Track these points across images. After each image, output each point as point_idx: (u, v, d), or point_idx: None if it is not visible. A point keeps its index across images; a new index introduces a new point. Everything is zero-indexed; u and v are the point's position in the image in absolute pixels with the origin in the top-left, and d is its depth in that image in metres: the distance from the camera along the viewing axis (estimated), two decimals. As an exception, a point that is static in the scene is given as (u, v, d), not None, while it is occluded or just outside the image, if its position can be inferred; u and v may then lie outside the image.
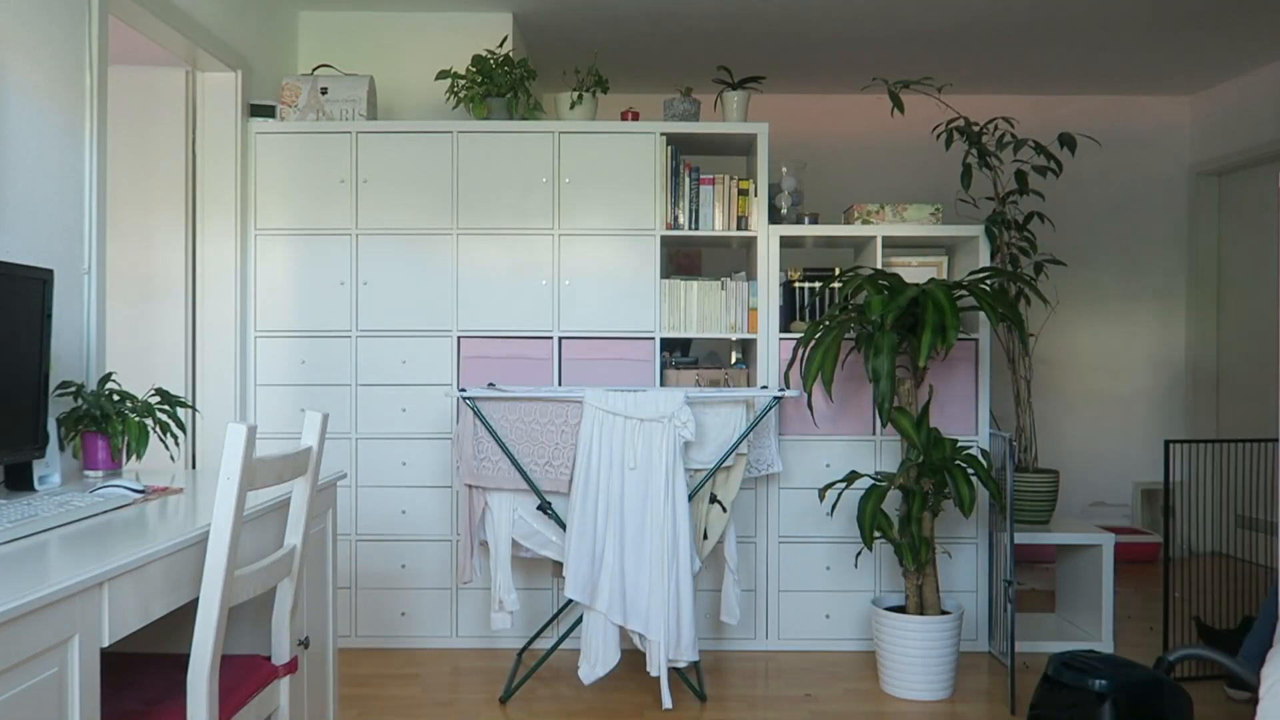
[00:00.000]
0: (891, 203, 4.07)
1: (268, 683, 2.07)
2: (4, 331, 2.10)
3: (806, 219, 3.97)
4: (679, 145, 3.92)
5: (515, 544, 3.37)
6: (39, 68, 2.53)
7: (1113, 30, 4.68)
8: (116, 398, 2.50)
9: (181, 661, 1.91)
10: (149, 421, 2.52)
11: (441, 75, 3.93)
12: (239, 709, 1.93)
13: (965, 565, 3.85)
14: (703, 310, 3.83)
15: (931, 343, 3.19)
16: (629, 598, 3.18)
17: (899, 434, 3.46)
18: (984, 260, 3.82)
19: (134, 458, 2.49)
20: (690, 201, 3.85)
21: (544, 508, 3.32)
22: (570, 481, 3.28)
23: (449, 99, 4.03)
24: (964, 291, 3.40)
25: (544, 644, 3.77)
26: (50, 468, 2.33)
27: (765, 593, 3.84)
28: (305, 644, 2.28)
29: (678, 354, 4.21)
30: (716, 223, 3.85)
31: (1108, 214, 5.87)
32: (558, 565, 3.40)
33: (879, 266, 3.83)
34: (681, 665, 3.21)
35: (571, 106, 3.92)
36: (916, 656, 3.32)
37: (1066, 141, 4.04)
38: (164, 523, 1.88)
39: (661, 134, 3.82)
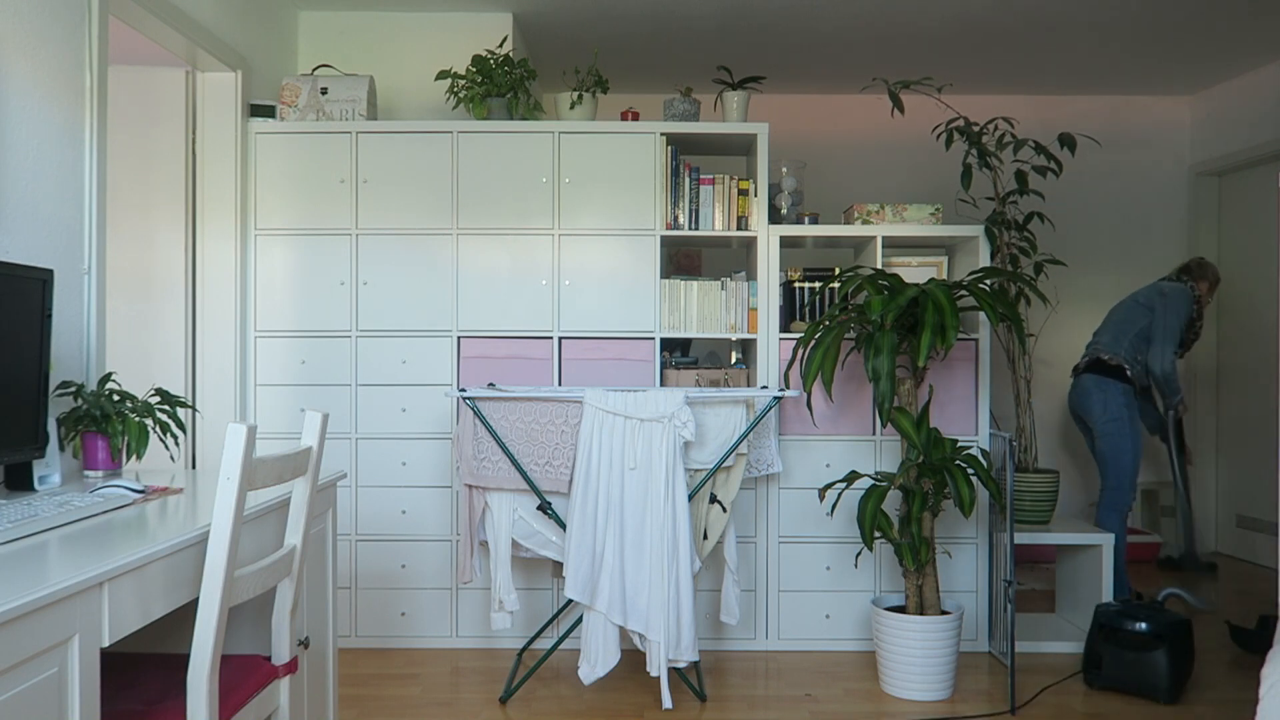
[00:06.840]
0: (891, 203, 4.07)
1: (268, 683, 2.07)
2: (4, 331, 2.10)
3: (806, 219, 3.97)
4: (679, 145, 3.92)
5: (515, 544, 3.37)
6: (39, 68, 2.53)
7: (1113, 30, 4.68)
8: (116, 398, 2.50)
9: (181, 661, 1.92)
10: (149, 421, 2.52)
11: (441, 75, 3.93)
12: (239, 709, 1.93)
13: (965, 565, 3.84)
14: (703, 310, 3.83)
15: (931, 343, 3.19)
16: (629, 598, 3.18)
17: (899, 434, 3.46)
18: (984, 260, 3.82)
19: (134, 458, 2.49)
20: (690, 201, 3.85)
21: (544, 508, 3.32)
22: (570, 481, 3.28)
23: (449, 99, 4.03)
24: (964, 291, 3.40)
25: (544, 644, 3.77)
26: (50, 468, 2.33)
27: (765, 593, 3.84)
28: (305, 644, 2.28)
29: (678, 354, 4.21)
30: (716, 223, 3.85)
31: (1108, 214, 5.87)
32: (558, 565, 3.40)
33: (879, 266, 3.83)
34: (681, 665, 3.20)
35: (571, 106, 3.92)
36: (916, 656, 3.32)
37: (1066, 141, 4.04)
38: (164, 523, 1.88)
39: (661, 134, 3.82)
